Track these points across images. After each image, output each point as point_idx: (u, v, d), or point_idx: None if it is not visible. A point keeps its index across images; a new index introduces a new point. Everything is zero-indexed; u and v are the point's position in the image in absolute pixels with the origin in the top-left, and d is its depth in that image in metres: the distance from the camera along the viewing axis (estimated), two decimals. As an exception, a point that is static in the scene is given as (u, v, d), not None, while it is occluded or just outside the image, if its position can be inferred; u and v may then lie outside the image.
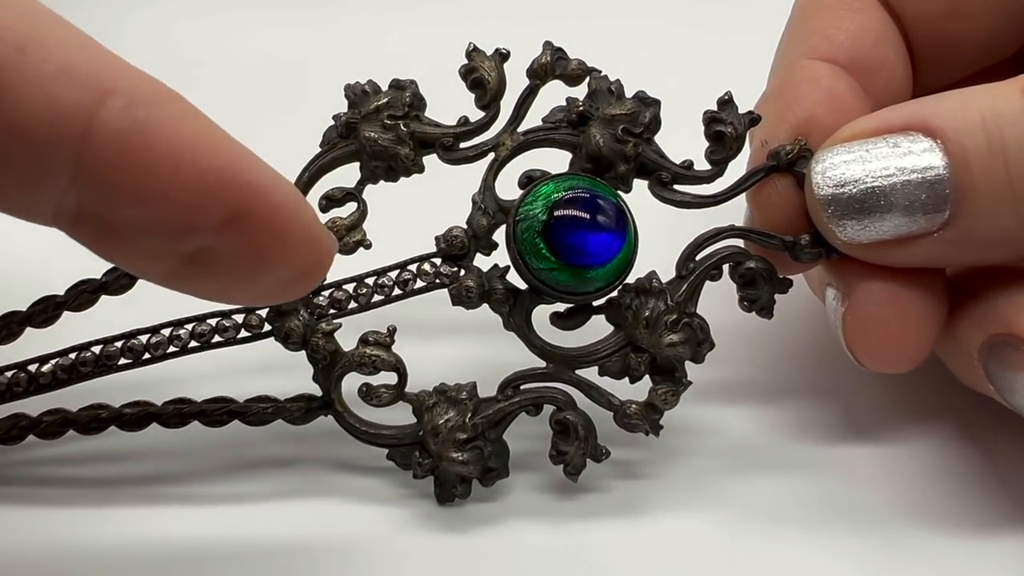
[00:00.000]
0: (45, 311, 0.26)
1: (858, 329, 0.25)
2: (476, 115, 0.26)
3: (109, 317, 0.26)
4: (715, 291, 0.26)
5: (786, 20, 0.29)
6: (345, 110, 0.26)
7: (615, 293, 0.26)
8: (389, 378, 0.26)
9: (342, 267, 0.26)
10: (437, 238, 0.26)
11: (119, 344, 0.26)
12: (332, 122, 0.26)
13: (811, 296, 0.28)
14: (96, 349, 0.26)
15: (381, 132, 0.26)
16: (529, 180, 0.26)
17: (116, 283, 0.26)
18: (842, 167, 0.25)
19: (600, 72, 0.27)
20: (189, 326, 0.26)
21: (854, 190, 0.24)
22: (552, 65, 0.26)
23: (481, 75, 0.26)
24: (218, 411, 0.26)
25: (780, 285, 0.26)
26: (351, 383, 0.26)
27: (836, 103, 0.26)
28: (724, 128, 0.26)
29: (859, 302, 0.25)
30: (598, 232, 0.25)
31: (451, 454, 0.25)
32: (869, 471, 0.26)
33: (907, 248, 0.24)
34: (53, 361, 0.26)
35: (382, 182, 0.26)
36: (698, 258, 0.26)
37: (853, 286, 0.25)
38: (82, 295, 0.26)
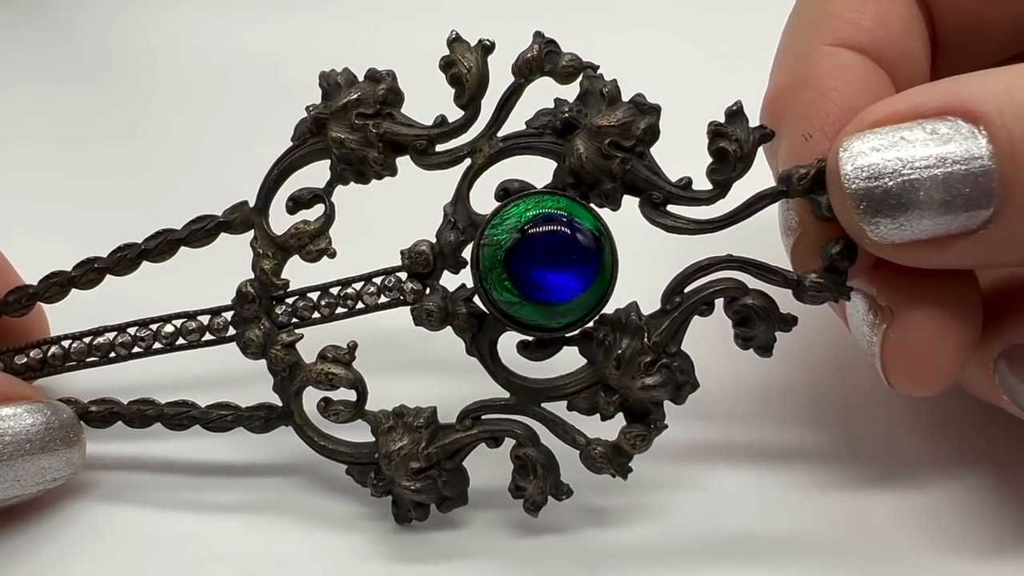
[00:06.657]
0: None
1: (901, 353, 0.22)
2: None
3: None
4: (707, 322, 0.23)
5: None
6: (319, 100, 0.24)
7: (590, 324, 0.24)
8: (350, 393, 0.25)
9: (306, 275, 0.25)
10: (402, 252, 0.24)
11: (87, 340, 0.25)
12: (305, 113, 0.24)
13: (818, 335, 0.25)
14: (65, 344, 0.25)
15: (348, 133, 0.24)
16: (506, 193, 0.24)
17: (83, 278, 0.25)
18: (873, 156, 0.21)
19: (596, 70, 0.23)
20: (154, 326, 0.25)
21: (889, 183, 0.21)
22: (540, 60, 0.23)
23: (459, 70, 0.23)
24: (179, 415, 0.25)
25: (782, 323, 0.23)
26: (316, 393, 0.25)
27: (875, 93, 0.23)
28: (728, 145, 0.23)
29: (907, 326, 0.22)
30: (565, 267, 0.23)
31: (403, 482, 0.24)
32: (856, 544, 0.24)
33: (943, 249, 0.21)
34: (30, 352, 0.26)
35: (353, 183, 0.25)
36: (687, 290, 0.23)
37: (900, 306, 0.22)
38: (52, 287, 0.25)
